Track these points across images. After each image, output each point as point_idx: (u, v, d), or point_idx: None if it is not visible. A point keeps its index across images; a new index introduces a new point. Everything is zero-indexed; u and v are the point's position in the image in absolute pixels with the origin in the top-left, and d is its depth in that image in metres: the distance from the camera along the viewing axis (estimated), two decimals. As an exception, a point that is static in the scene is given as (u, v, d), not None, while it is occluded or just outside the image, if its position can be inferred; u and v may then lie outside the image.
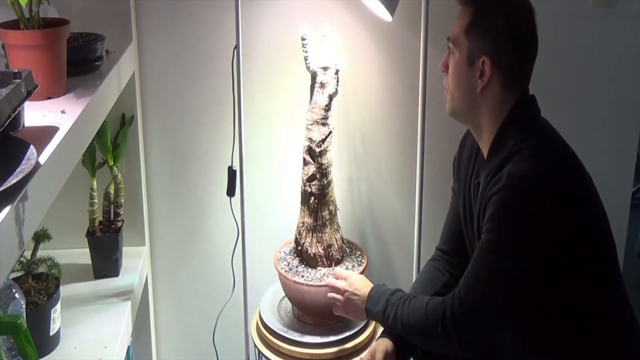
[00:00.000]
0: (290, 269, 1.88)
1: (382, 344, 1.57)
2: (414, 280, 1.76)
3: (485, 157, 1.49)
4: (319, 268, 1.88)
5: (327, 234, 1.88)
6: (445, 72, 1.51)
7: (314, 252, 1.87)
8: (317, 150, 1.83)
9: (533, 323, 1.44)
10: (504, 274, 1.38)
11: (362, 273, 1.86)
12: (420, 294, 1.59)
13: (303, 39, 1.79)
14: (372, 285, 1.64)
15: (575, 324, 1.42)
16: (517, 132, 1.43)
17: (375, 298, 1.58)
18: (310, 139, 1.84)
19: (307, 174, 1.85)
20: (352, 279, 1.68)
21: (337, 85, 1.82)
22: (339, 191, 2.05)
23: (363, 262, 1.91)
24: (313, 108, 1.83)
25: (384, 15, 1.82)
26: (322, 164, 1.85)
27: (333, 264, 1.89)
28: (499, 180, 1.38)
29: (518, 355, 1.48)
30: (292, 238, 1.97)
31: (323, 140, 1.83)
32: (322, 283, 1.81)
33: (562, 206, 1.37)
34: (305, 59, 1.80)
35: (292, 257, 1.92)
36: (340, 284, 1.68)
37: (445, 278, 1.67)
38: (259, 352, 1.90)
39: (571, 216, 1.38)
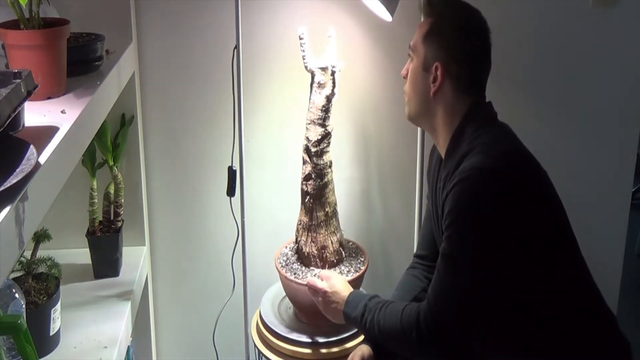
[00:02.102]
0: (287, 265, 1.88)
1: (360, 350, 1.61)
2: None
3: (443, 160, 1.53)
4: (311, 268, 1.88)
5: (321, 235, 1.87)
6: (406, 79, 1.60)
7: (307, 251, 1.87)
8: (314, 150, 1.83)
9: (510, 323, 1.45)
10: (465, 269, 1.40)
11: (362, 275, 1.87)
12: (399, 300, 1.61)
13: (301, 38, 1.79)
14: (351, 289, 1.66)
15: (553, 324, 1.42)
16: (470, 134, 1.48)
17: (354, 303, 1.60)
18: (307, 139, 1.84)
19: (304, 173, 1.86)
20: (333, 281, 1.69)
21: (334, 86, 1.82)
22: (339, 191, 2.05)
23: (361, 269, 1.89)
24: (311, 108, 1.83)
25: (384, 15, 1.82)
26: (318, 165, 1.84)
27: (327, 267, 1.88)
28: (454, 178, 1.42)
29: (497, 354, 1.48)
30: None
31: (319, 141, 1.83)
32: (303, 282, 1.81)
33: (516, 198, 1.39)
34: (303, 58, 1.80)
35: (292, 254, 1.93)
36: (320, 284, 1.70)
37: (423, 284, 1.69)
38: (259, 352, 1.90)
39: (526, 208, 1.40)
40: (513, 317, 1.44)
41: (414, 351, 1.47)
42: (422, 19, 1.58)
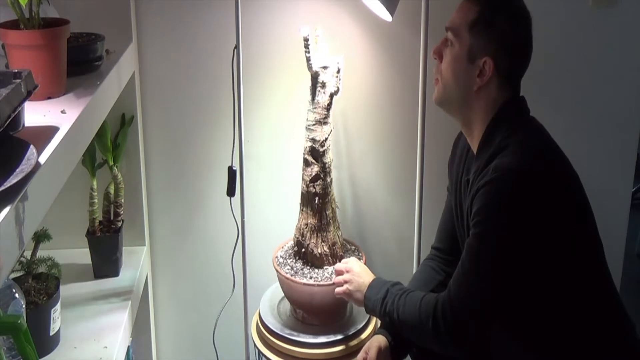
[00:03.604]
0: (296, 272, 1.87)
1: (376, 341, 1.59)
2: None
3: (474, 153, 1.51)
4: (325, 267, 1.88)
5: (331, 233, 1.88)
6: (438, 60, 1.51)
7: (319, 252, 1.87)
8: (321, 150, 1.83)
9: (528, 324, 1.44)
10: (490, 267, 1.39)
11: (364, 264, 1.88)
12: None
13: (306, 40, 1.78)
14: (372, 275, 1.66)
15: (569, 324, 1.42)
16: (505, 129, 1.45)
17: (377, 287, 1.59)
18: (313, 140, 1.83)
19: (311, 175, 1.85)
20: (354, 263, 1.70)
21: (339, 83, 1.82)
22: (338, 191, 2.05)
23: (362, 258, 1.92)
24: (315, 108, 1.82)
25: (384, 15, 1.82)
26: (326, 163, 1.85)
27: (338, 261, 1.89)
28: (486, 174, 1.40)
29: (514, 354, 1.48)
30: (284, 242, 1.97)
31: (326, 139, 1.83)
32: (330, 282, 1.81)
33: (549, 199, 1.38)
34: (308, 60, 1.79)
35: (294, 261, 1.91)
36: (344, 266, 1.70)
37: (440, 277, 1.68)
38: (259, 352, 1.90)
39: (558, 210, 1.39)
40: (531, 318, 1.43)
41: (428, 340, 1.46)
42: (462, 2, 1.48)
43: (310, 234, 1.87)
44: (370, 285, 1.61)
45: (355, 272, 1.66)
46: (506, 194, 1.37)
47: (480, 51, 1.44)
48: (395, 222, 2.17)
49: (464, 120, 1.52)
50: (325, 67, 1.81)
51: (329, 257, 1.88)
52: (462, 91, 1.48)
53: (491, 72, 1.44)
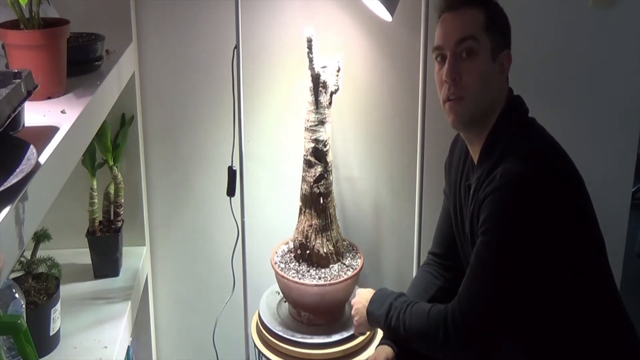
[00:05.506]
0: (303, 275, 1.86)
1: (383, 352, 1.57)
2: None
3: (476, 160, 1.50)
4: (331, 266, 1.88)
5: (334, 231, 1.89)
6: (456, 80, 1.44)
7: (325, 251, 1.87)
8: (324, 149, 1.83)
9: (528, 323, 1.44)
10: (501, 275, 1.38)
11: (361, 268, 1.88)
12: (416, 299, 1.58)
13: (309, 41, 1.76)
14: (371, 290, 1.64)
15: (571, 326, 1.42)
16: (508, 134, 1.44)
17: (379, 301, 1.57)
18: (316, 140, 1.83)
19: (315, 175, 1.84)
20: (360, 291, 1.68)
21: (339, 81, 1.82)
22: (338, 191, 2.05)
23: (360, 258, 1.93)
24: (319, 109, 1.82)
25: (384, 15, 1.82)
26: (329, 162, 1.85)
27: (341, 258, 1.90)
28: (493, 180, 1.38)
29: (514, 355, 1.47)
30: (277, 246, 1.97)
31: (329, 138, 1.83)
32: (341, 278, 1.83)
33: (558, 205, 1.37)
34: (311, 61, 1.77)
35: (297, 264, 1.90)
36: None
37: (439, 282, 1.67)
38: (259, 352, 1.90)
39: (565, 214, 1.38)
40: (532, 320, 1.42)
41: (440, 350, 1.45)
42: (445, 13, 1.48)
43: (315, 235, 1.87)
44: (372, 300, 1.59)
45: (356, 301, 1.65)
46: (514, 202, 1.36)
47: (499, 47, 1.45)
48: (395, 222, 2.17)
49: (480, 129, 1.47)
50: (324, 67, 1.81)
51: (334, 255, 1.89)
52: (490, 95, 1.45)
53: (510, 62, 1.47)
